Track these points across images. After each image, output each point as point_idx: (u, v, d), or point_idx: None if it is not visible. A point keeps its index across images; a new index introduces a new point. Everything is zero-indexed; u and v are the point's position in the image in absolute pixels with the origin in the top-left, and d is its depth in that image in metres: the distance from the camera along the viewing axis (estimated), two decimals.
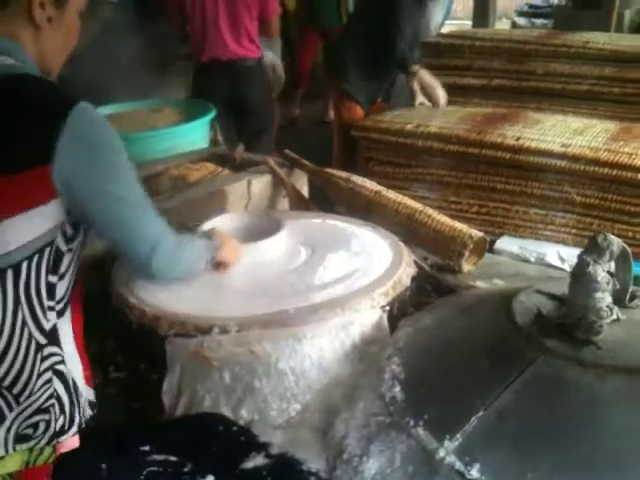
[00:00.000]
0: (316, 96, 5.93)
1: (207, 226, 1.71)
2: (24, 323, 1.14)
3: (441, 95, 3.23)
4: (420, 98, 3.26)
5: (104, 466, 1.30)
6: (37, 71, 1.19)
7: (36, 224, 1.11)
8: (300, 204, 2.31)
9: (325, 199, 2.41)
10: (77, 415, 1.23)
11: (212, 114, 2.92)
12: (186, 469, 1.29)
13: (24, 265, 1.12)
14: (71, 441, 1.24)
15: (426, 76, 3.26)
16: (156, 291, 1.57)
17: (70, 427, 1.21)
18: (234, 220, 1.87)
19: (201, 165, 2.47)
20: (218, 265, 1.51)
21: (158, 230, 1.23)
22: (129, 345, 1.55)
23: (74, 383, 1.23)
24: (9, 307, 1.12)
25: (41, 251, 1.13)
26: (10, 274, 1.11)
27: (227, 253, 1.53)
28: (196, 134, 2.80)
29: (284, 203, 2.39)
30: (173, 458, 1.30)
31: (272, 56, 4.41)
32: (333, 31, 5.32)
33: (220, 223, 1.78)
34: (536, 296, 1.36)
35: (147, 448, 1.32)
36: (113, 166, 1.16)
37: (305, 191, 2.47)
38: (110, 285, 1.65)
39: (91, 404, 1.27)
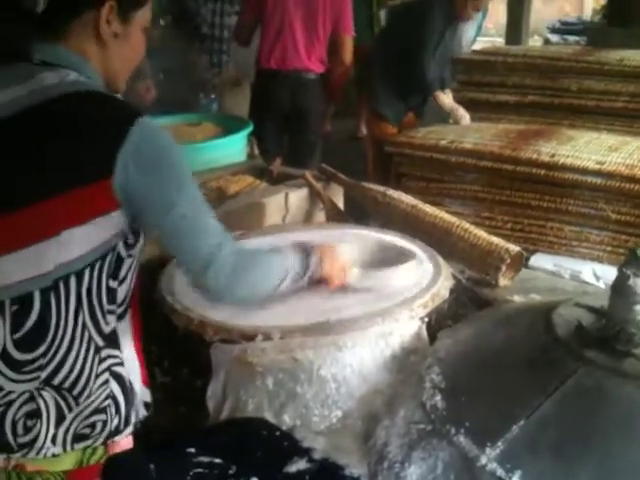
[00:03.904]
0: (348, 112, 5.99)
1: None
2: (84, 326, 1.18)
3: (462, 115, 3.28)
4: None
5: (152, 466, 1.34)
6: (102, 86, 1.24)
7: (97, 233, 1.15)
8: (336, 217, 2.36)
9: (360, 212, 2.45)
10: (132, 416, 1.26)
11: (249, 128, 2.98)
12: (231, 471, 1.33)
13: (86, 271, 1.16)
14: (125, 442, 1.27)
15: (445, 101, 3.31)
16: (202, 299, 1.61)
17: (125, 427, 1.25)
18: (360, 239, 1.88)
19: (240, 178, 2.53)
20: (320, 281, 1.49)
21: (214, 245, 1.21)
22: (175, 350, 1.60)
23: (131, 384, 1.27)
24: (71, 311, 1.17)
25: (103, 258, 1.17)
26: (73, 280, 1.15)
27: (330, 271, 1.48)
28: (234, 148, 2.86)
29: (321, 216, 2.43)
30: (218, 460, 1.34)
31: None
32: (365, 47, 5.38)
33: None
34: (575, 309, 1.38)
35: (193, 450, 1.36)
36: (173, 179, 1.18)
37: (341, 204, 2.51)
38: (156, 291, 1.70)
39: (146, 405, 1.30)
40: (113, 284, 1.21)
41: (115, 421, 1.23)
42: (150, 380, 1.59)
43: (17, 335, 1.15)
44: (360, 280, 1.62)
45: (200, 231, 1.21)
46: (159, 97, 3.31)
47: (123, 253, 1.20)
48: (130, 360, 1.26)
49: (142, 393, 1.29)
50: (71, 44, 1.21)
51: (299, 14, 3.47)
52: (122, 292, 1.24)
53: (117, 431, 1.24)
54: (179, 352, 1.59)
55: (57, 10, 1.19)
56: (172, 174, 1.18)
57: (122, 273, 1.22)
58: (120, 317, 1.25)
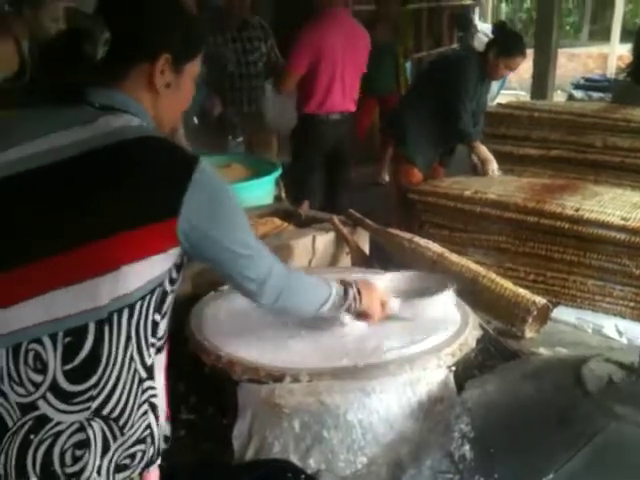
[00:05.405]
0: (369, 158, 6.07)
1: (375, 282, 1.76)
2: (132, 358, 1.21)
3: (494, 168, 3.33)
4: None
5: None
6: (155, 130, 1.29)
7: (153, 269, 1.20)
8: (362, 261, 2.38)
9: (386, 258, 2.47)
10: (161, 446, 1.28)
11: (278, 171, 3.03)
12: None
13: (138, 304, 1.20)
14: (155, 472, 1.28)
15: (484, 151, 3.37)
16: (231, 337, 1.64)
17: (157, 457, 1.27)
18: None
19: (267, 220, 2.56)
20: (360, 315, 1.62)
21: (266, 269, 1.33)
22: (201, 388, 1.61)
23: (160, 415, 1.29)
24: (122, 343, 1.19)
25: (152, 292, 1.21)
26: (126, 313, 1.19)
27: (368, 305, 1.60)
28: (263, 190, 2.91)
29: (346, 260, 2.45)
30: None
31: None
32: (391, 98, 5.49)
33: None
34: (605, 364, 1.38)
35: None
36: (231, 216, 1.27)
37: (367, 249, 2.53)
38: (185, 328, 1.72)
39: (165, 438, 1.32)
40: (157, 318, 1.25)
41: (151, 451, 1.25)
42: (175, 416, 1.60)
43: (68, 367, 1.17)
44: (400, 311, 1.70)
45: (254, 260, 1.31)
46: (190, 139, 3.39)
47: (168, 288, 1.25)
48: (160, 393, 1.29)
49: (164, 426, 1.31)
50: (125, 91, 1.28)
51: (347, 64, 3.72)
52: (163, 326, 1.28)
53: (152, 461, 1.27)
54: (206, 390, 1.60)
55: (115, 59, 1.24)
56: (230, 212, 1.27)
57: (165, 307, 1.26)
58: (159, 350, 1.28)
